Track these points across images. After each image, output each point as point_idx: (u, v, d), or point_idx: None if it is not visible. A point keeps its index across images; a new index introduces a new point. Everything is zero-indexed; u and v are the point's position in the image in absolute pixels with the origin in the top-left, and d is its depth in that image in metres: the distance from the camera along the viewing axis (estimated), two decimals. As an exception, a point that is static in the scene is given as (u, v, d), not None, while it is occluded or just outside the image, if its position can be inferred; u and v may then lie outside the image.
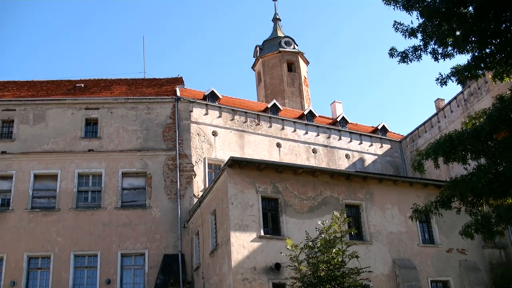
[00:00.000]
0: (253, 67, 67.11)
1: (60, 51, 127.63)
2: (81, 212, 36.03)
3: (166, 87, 43.11)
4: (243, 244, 26.90)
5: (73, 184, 36.73)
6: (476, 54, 16.43)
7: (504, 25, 15.78)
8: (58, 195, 36.45)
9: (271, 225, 28.37)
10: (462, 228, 18.59)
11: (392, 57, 16.99)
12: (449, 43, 16.28)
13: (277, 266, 26.61)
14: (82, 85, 43.89)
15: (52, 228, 35.45)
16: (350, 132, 46.45)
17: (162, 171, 37.19)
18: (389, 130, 49.59)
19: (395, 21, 16.66)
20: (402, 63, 16.97)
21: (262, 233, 27.55)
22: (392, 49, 16.96)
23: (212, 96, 41.81)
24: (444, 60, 16.44)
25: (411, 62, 16.83)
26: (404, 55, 16.93)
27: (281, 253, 24.77)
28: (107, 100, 39.65)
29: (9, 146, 37.92)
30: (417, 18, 16.37)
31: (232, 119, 40.73)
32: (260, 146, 40.79)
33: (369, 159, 45.86)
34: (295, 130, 43.30)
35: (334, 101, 52.32)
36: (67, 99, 39.69)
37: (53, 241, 35.13)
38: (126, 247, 35.16)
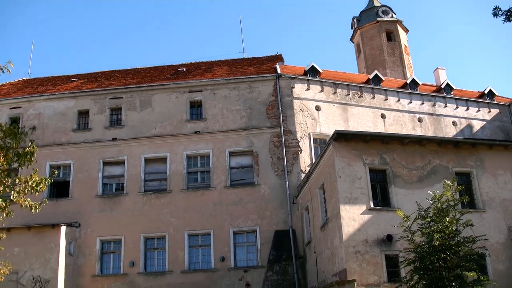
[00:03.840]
0: (351, 39, 66.49)
1: (160, 37, 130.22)
2: (192, 192, 36.92)
3: (266, 65, 43.34)
4: (353, 217, 26.77)
5: (182, 166, 37.67)
6: None
7: None
8: (169, 177, 37.52)
9: (380, 197, 28.01)
10: None
11: (496, 17, 16.32)
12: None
13: (389, 238, 26.33)
14: (184, 69, 44.78)
15: (165, 209, 36.57)
16: (456, 99, 45.17)
17: (268, 148, 37.51)
18: (497, 94, 47.87)
19: (500, -22, 16.03)
20: (507, 22, 16.29)
21: (372, 205, 27.30)
22: (496, 8, 16.30)
23: (313, 71, 41.65)
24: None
25: (516, 21, 16.13)
26: (509, 13, 16.25)
27: (393, 226, 24.34)
28: (209, 82, 40.26)
29: (119, 133, 39.26)
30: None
31: (334, 93, 40.53)
32: (364, 118, 40.40)
33: (477, 125, 44.51)
34: (398, 100, 42.60)
35: (437, 68, 50.94)
36: (171, 83, 40.60)
37: (167, 222, 36.25)
38: (237, 224, 35.80)
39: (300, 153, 37.29)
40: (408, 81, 45.57)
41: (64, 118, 40.18)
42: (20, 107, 41.06)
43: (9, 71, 16.68)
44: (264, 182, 36.70)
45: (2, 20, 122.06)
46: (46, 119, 40.21)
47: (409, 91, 43.62)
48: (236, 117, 38.80)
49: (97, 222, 36.61)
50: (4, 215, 16.96)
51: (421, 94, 43.84)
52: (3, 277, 20.87)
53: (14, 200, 16.73)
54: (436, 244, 20.35)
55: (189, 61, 47.62)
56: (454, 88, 46.64)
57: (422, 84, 46.77)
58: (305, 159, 37.21)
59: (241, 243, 35.82)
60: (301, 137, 37.75)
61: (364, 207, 27.10)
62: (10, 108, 41.10)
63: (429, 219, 21.18)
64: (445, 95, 45.00)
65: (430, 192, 22.27)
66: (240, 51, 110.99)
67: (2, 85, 46.70)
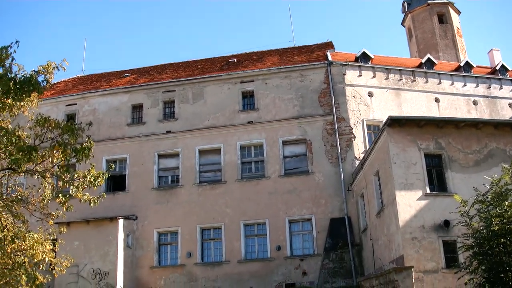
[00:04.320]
0: (402, 23, 65.65)
1: (211, 29, 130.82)
2: (247, 182, 37.13)
3: (317, 52, 43.18)
4: (409, 203, 26.54)
5: (236, 156, 37.88)
6: None
7: None
8: (223, 168, 37.79)
9: (437, 182, 27.69)
10: None
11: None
12: None
13: (446, 224, 26.01)
14: (235, 60, 44.94)
15: (220, 200, 36.86)
16: (512, 80, 44.25)
17: (321, 136, 37.38)
18: (554, 74, 46.68)
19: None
20: None
21: (428, 191, 26.99)
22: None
23: (364, 57, 41.31)
24: None
25: None
26: None
27: (450, 212, 23.98)
28: (260, 72, 40.30)
29: (173, 126, 39.66)
30: None
31: (387, 78, 40.10)
32: (417, 103, 39.85)
33: (535, 106, 43.47)
34: (452, 83, 41.89)
35: (492, 49, 49.77)
36: (222, 75, 40.79)
37: (223, 212, 36.56)
38: (292, 213, 35.85)
39: (354, 140, 37.07)
40: (462, 64, 44.81)
41: (119, 113, 40.81)
42: (76, 104, 41.86)
43: (64, 69, 17.01)
44: (318, 170, 36.62)
45: (55, 19, 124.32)
46: (101, 115, 40.90)
47: (463, 74, 42.87)
48: (288, 106, 38.76)
49: (154, 214, 37.15)
50: (64, 209, 17.32)
51: (476, 77, 43.05)
52: (65, 270, 21.30)
53: (73, 195, 17.06)
54: (495, 229, 19.99)
55: (240, 51, 47.85)
56: (510, 69, 45.59)
57: (476, 66, 45.91)
58: (359, 146, 37.00)
59: (297, 231, 35.88)
60: (354, 124, 37.52)
61: (420, 193, 26.86)
62: (66, 105, 41.95)
63: (487, 204, 20.83)
64: (500, 76, 44.07)
65: (487, 177, 21.89)
66: (290, 40, 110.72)
67: (57, 83, 47.62)
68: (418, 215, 26.33)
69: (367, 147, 35.48)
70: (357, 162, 35.52)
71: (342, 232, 34.67)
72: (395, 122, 28.02)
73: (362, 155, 35.48)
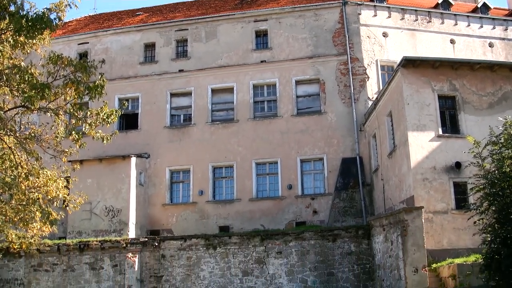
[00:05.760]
0: (419, -38, 64.39)
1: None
2: (259, 121, 37.15)
3: (332, -9, 42.49)
4: (421, 144, 26.60)
5: (249, 96, 37.81)
6: None
7: None
8: (235, 107, 37.80)
9: (449, 124, 27.65)
10: None
11: None
12: None
13: (458, 165, 26.09)
14: (249, -1, 44.37)
15: (232, 139, 36.99)
16: (530, 22, 43.46)
17: (334, 76, 37.15)
18: None
19: None
20: None
21: (441, 132, 27.02)
22: None
23: (380, -3, 40.75)
24: None
25: None
26: None
27: (464, 152, 23.84)
28: (274, 10, 39.81)
29: (186, 64, 39.53)
30: None
31: (402, 19, 39.54)
32: (432, 44, 39.35)
33: (551, 49, 42.87)
34: (469, 25, 41.22)
35: (510, -10, 49.00)
36: (236, 13, 40.34)
37: (235, 151, 36.73)
38: (304, 152, 35.96)
39: (367, 80, 36.83)
40: (479, 5, 43.94)
41: (131, 52, 40.66)
42: (88, 43, 41.71)
43: (76, 7, 16.88)
44: (331, 110, 36.55)
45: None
46: (114, 54, 40.76)
47: (480, 15, 42.12)
48: (302, 45, 38.44)
49: (166, 152, 37.39)
50: (78, 146, 17.44)
51: (493, 18, 42.28)
52: (78, 207, 21.61)
53: (86, 133, 17.17)
54: (507, 171, 19.99)
55: (254, -10, 47.16)
56: (528, 11, 44.82)
57: (494, 8, 44.97)
58: (372, 87, 36.79)
59: (308, 171, 36.07)
60: (368, 65, 37.23)
61: (432, 134, 26.92)
62: (78, 44, 41.79)
63: (500, 145, 20.76)
64: (518, 18, 43.34)
65: (501, 119, 21.79)
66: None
67: (69, 21, 47.30)
68: (429, 156, 26.44)
69: (381, 88, 35.28)
70: (370, 103, 35.39)
71: (353, 172, 34.83)
72: (409, 63, 27.86)
73: (375, 96, 35.33)
